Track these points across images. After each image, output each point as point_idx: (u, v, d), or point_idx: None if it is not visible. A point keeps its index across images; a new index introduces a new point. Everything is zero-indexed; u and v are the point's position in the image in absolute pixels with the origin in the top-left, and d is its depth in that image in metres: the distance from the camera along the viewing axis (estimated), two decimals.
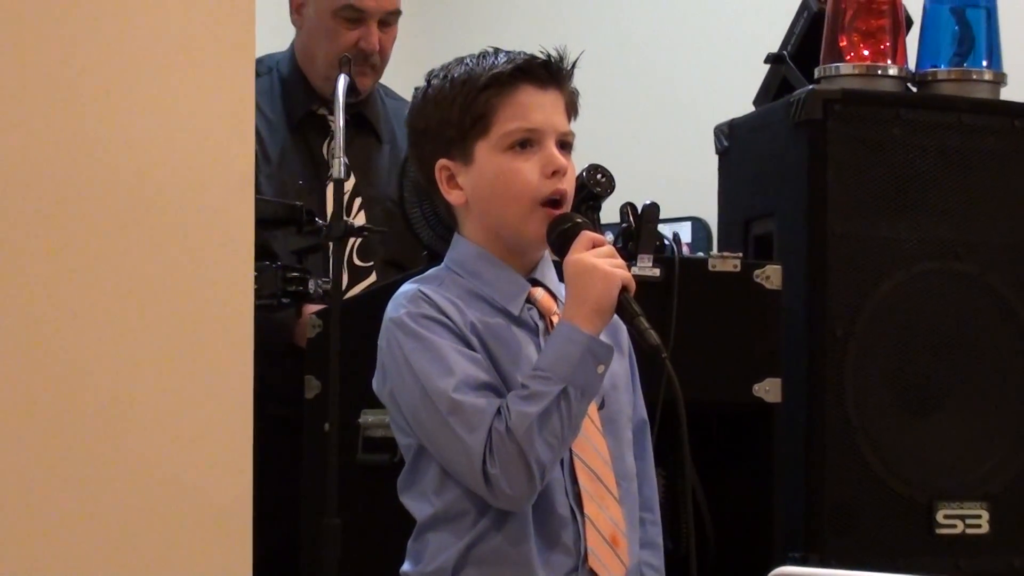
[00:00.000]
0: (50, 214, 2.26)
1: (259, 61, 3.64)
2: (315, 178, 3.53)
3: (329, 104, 3.42)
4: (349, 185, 3.55)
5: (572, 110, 2.35)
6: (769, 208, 3.44)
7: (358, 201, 3.57)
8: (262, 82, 3.60)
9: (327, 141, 3.55)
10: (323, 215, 3.23)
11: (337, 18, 3.55)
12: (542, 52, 2.32)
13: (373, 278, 3.57)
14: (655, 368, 2.32)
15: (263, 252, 3.09)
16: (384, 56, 3.59)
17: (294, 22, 3.65)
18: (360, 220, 3.53)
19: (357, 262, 3.53)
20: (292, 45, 3.68)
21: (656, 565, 2.40)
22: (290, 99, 3.60)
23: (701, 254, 3.15)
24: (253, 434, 2.47)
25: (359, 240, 3.51)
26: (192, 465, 2.34)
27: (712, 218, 3.79)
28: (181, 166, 2.36)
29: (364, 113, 3.63)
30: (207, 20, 2.41)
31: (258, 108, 3.54)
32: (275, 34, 3.62)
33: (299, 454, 3.14)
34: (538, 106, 2.29)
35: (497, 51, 2.33)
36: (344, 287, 3.37)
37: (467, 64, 2.32)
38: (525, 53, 2.32)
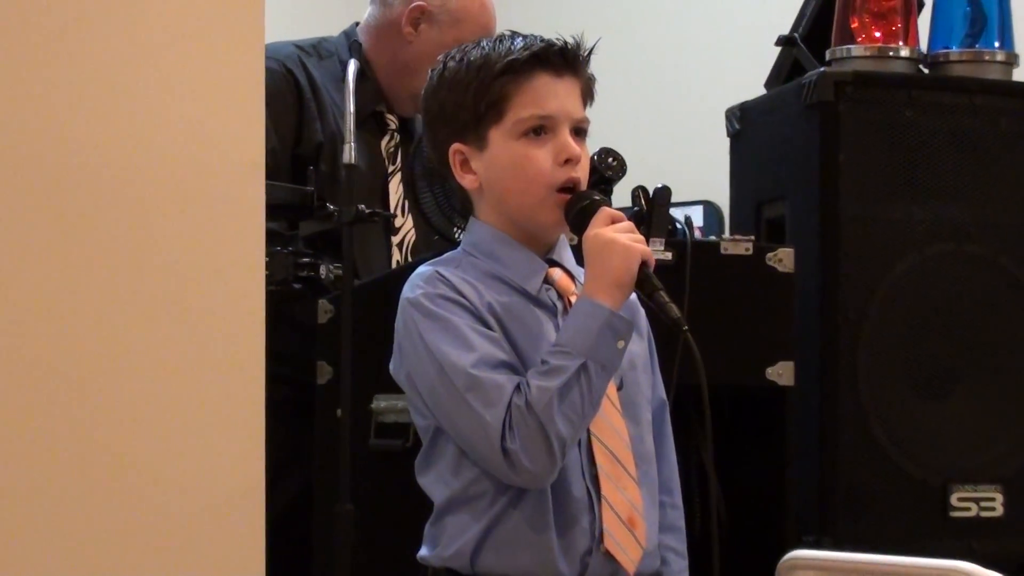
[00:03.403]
0: (57, 202, 2.26)
1: (319, 43, 3.65)
2: (374, 174, 3.56)
3: (389, 103, 3.60)
4: (401, 191, 3.58)
5: (588, 96, 2.33)
6: (781, 191, 3.44)
7: (406, 205, 3.59)
8: (326, 66, 3.61)
9: (386, 138, 3.61)
10: (385, 208, 3.40)
11: None
12: (558, 39, 2.31)
13: None
14: (672, 349, 2.31)
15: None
16: None
17: (404, 33, 3.59)
18: (408, 224, 3.58)
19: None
20: (347, 34, 3.66)
21: (679, 549, 2.38)
22: (354, 93, 3.59)
23: (713, 237, 3.14)
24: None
25: (412, 242, 3.56)
26: (203, 452, 2.33)
27: (724, 201, 3.78)
28: (191, 151, 2.35)
29: (409, 123, 3.65)
30: (216, 2, 2.40)
31: (329, 93, 3.56)
32: (286, 17, 3.60)
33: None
34: (553, 94, 2.28)
35: (514, 35, 2.32)
36: None
37: (483, 48, 2.30)
38: (542, 39, 2.31)
